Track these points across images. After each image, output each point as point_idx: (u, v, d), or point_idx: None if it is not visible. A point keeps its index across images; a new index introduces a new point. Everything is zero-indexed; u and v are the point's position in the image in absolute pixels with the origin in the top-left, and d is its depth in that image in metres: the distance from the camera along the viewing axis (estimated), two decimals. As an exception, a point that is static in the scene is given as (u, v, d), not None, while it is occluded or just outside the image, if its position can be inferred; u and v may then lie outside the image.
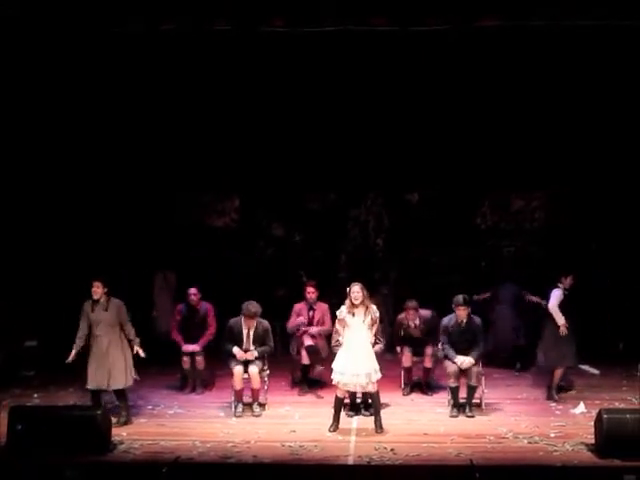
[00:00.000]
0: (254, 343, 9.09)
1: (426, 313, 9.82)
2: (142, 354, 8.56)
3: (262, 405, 9.08)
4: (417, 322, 9.74)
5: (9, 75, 9.93)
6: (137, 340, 8.56)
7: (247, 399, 9.16)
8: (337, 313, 8.36)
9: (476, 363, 8.90)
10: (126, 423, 8.49)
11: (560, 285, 9.35)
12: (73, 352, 8.46)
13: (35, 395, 9.68)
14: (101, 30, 9.01)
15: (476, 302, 10.39)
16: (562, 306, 9.30)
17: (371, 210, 12.89)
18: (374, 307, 8.31)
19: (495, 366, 10.85)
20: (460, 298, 8.94)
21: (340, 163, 12.51)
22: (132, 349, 8.57)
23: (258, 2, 8.95)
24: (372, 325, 8.29)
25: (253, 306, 9.01)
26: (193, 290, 10.01)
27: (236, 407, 8.95)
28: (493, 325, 11.00)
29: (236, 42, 9.85)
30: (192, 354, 9.82)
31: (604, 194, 12.52)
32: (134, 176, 12.56)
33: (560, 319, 9.23)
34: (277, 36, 9.24)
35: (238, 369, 8.92)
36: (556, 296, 9.33)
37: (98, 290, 8.43)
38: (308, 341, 9.71)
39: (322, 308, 9.98)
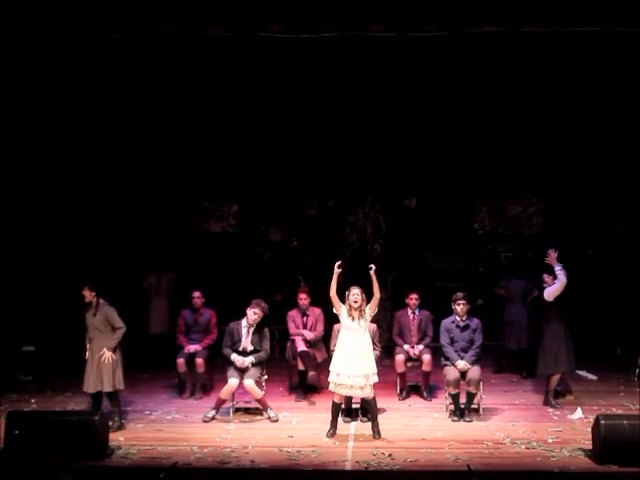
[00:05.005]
0: (252, 343, 9.05)
1: (424, 312, 10.08)
2: (106, 361, 8.35)
3: (271, 409, 8.99)
4: (417, 313, 9.95)
5: (9, 76, 9.93)
6: (110, 348, 8.35)
7: (243, 404, 9.20)
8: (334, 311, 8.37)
9: (474, 364, 8.93)
10: (119, 428, 8.45)
11: (545, 285, 9.38)
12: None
13: (32, 400, 9.66)
14: (104, 33, 9.02)
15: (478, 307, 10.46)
16: (559, 303, 9.31)
17: (369, 215, 12.90)
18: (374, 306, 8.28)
19: (505, 371, 11.05)
20: (459, 294, 9.15)
21: (338, 169, 12.54)
22: (122, 354, 8.51)
23: (257, 8, 8.98)
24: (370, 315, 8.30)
25: (264, 303, 9.07)
26: (197, 293, 10.06)
27: (209, 412, 8.88)
28: (507, 324, 11.01)
29: (235, 48, 9.88)
30: (190, 357, 9.81)
31: (600, 198, 12.56)
32: (132, 181, 12.59)
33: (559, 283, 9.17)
34: (275, 42, 9.27)
35: (233, 381, 8.83)
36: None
37: (86, 294, 8.48)
38: (301, 347, 9.71)
39: (315, 313, 9.97)
